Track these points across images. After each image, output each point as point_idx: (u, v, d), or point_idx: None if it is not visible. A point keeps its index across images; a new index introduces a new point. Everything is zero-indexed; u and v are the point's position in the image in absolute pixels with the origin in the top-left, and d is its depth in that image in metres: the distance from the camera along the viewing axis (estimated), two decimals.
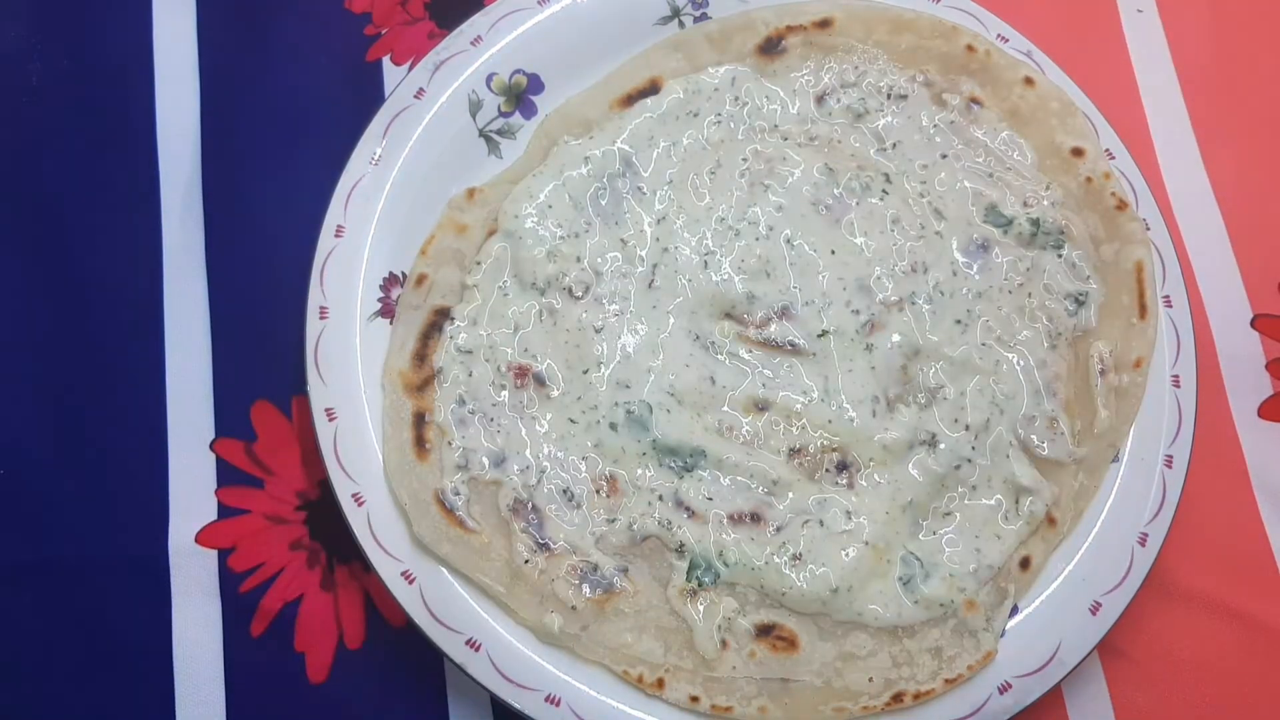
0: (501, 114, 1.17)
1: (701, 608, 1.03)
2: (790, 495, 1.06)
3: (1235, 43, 1.33)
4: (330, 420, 1.05)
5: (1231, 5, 1.34)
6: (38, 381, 1.14)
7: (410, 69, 1.16)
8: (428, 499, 1.04)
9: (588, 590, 1.03)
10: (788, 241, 1.12)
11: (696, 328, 1.10)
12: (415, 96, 1.13)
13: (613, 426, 1.07)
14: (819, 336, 1.10)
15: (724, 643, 1.02)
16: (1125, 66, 1.31)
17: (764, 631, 1.03)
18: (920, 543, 1.06)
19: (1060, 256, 1.13)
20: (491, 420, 1.07)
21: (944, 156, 1.16)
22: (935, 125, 1.17)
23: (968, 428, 1.09)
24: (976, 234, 1.14)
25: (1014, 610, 1.06)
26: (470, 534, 1.04)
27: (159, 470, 1.12)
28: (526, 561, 1.03)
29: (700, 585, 1.04)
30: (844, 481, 1.07)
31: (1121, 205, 1.13)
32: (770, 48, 1.18)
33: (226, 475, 1.13)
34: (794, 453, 1.08)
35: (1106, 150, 1.15)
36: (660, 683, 1.01)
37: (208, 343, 1.16)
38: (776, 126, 1.17)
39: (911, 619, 1.03)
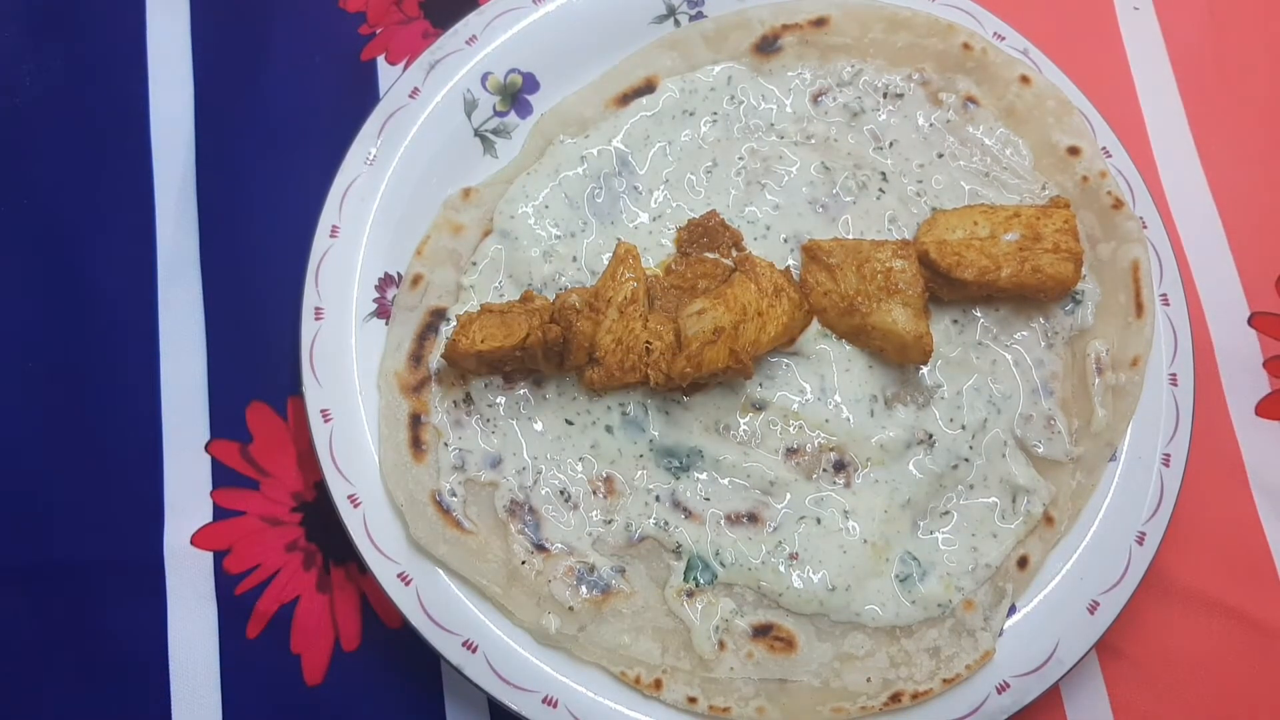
0: (497, 113, 1.16)
1: (699, 608, 1.03)
2: (787, 495, 1.06)
3: (1232, 40, 1.32)
4: (326, 421, 1.04)
5: (1228, 2, 1.34)
6: (33, 384, 1.14)
7: (405, 68, 1.16)
8: (424, 500, 1.04)
9: (585, 591, 1.03)
10: (784, 240, 1.12)
11: None
12: (410, 96, 1.13)
13: (609, 429, 1.06)
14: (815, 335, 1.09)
15: (721, 643, 1.02)
16: (1122, 64, 1.31)
17: (761, 632, 1.03)
18: (918, 542, 1.06)
19: None
20: (488, 421, 1.07)
21: (940, 155, 1.16)
22: (931, 124, 1.17)
23: (964, 427, 1.08)
24: None
25: (1012, 610, 1.06)
26: (467, 535, 1.03)
27: (154, 472, 1.12)
28: (523, 562, 1.03)
29: (697, 585, 1.04)
30: (841, 481, 1.07)
31: (1118, 204, 1.13)
32: (766, 46, 1.17)
33: (222, 477, 1.12)
34: (791, 452, 1.07)
35: (1103, 148, 1.15)
36: (658, 684, 1.01)
37: (202, 344, 1.16)
38: (773, 125, 1.17)
39: (909, 619, 1.03)
